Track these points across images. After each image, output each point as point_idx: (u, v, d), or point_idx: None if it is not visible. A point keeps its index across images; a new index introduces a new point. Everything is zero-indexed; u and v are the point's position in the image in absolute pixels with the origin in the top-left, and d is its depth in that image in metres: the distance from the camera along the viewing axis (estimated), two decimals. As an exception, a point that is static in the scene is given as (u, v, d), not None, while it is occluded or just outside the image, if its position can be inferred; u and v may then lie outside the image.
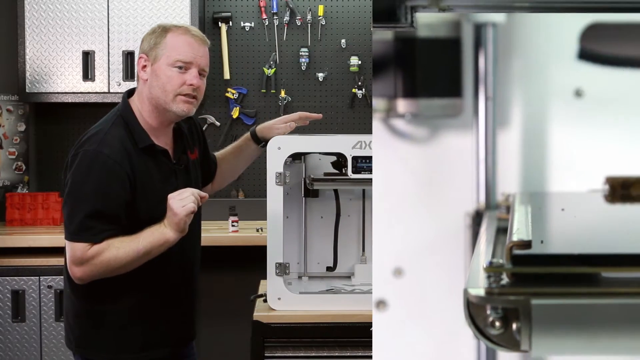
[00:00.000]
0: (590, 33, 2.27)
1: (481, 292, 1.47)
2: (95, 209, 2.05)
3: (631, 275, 1.48)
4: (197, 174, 2.35)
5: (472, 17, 2.26)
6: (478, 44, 2.28)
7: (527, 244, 1.53)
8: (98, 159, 2.07)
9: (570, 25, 2.29)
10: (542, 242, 1.62)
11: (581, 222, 1.94)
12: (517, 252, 1.52)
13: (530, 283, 1.48)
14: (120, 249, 2.06)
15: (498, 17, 2.26)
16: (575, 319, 1.44)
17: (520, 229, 1.69)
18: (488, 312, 1.47)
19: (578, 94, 2.30)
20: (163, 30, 2.17)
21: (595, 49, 2.28)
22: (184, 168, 2.27)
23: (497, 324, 1.46)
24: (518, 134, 2.33)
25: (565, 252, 1.51)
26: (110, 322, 2.17)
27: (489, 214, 2.21)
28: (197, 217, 2.21)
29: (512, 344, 1.47)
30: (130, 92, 2.27)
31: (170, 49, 2.14)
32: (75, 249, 2.06)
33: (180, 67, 2.14)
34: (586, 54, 2.28)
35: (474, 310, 1.48)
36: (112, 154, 2.08)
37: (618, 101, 2.29)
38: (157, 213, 2.09)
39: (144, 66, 2.17)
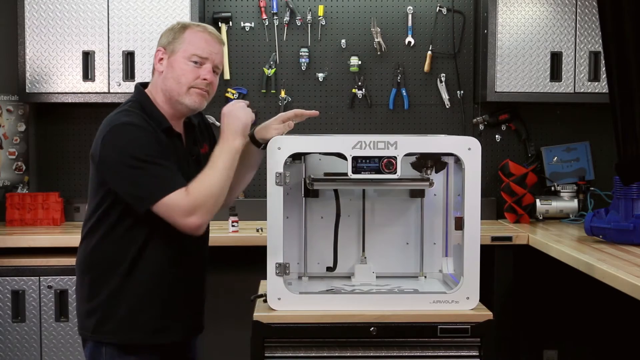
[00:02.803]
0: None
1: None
2: (157, 164, 2.13)
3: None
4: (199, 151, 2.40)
5: None
6: None
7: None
8: (133, 128, 2.16)
9: None
10: None
11: None
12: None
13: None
14: (210, 178, 2.17)
15: None
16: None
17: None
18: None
19: None
20: (182, 27, 2.29)
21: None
22: (195, 158, 2.35)
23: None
24: None
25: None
26: (126, 299, 2.23)
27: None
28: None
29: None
30: (144, 85, 2.36)
31: (187, 44, 2.25)
32: (175, 202, 2.12)
33: (195, 62, 2.26)
34: None
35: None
36: (141, 123, 2.18)
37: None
38: None
39: (161, 59, 2.28)
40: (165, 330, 2.32)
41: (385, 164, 2.38)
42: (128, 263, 2.23)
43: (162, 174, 2.14)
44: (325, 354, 2.38)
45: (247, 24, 4.18)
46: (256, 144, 2.49)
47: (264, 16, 4.16)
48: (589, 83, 3.93)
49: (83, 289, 2.31)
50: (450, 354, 2.38)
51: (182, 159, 2.29)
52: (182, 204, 2.13)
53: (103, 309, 2.25)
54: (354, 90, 4.20)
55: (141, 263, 2.24)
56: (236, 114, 2.27)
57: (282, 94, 4.17)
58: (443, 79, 4.21)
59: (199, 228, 2.18)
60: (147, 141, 2.15)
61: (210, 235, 2.43)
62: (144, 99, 2.29)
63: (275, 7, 4.14)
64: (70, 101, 3.87)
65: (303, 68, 4.18)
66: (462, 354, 2.38)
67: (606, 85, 3.02)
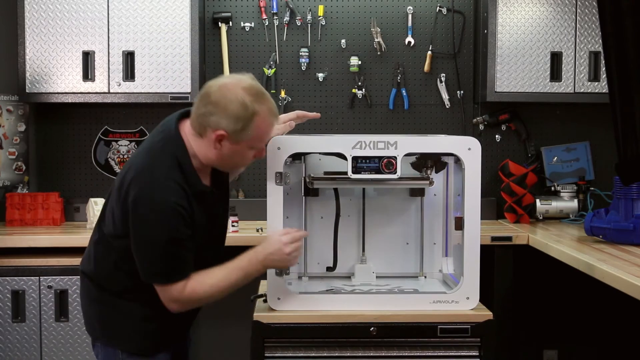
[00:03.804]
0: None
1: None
2: (174, 252, 2.10)
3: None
4: (224, 180, 2.37)
5: None
6: None
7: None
8: (168, 207, 2.07)
9: None
10: None
11: None
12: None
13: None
14: (214, 283, 2.17)
15: None
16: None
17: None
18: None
19: None
20: (252, 114, 2.10)
21: None
22: (223, 194, 2.32)
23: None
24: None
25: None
26: (137, 313, 2.22)
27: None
28: (225, 216, 2.38)
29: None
30: (181, 116, 2.22)
31: (255, 136, 2.14)
32: (170, 291, 2.13)
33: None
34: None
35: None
36: (179, 200, 2.09)
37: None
38: (203, 251, 2.19)
39: (221, 140, 2.12)
40: (177, 332, 2.33)
41: (385, 164, 2.38)
42: None
43: (172, 263, 2.11)
44: (325, 354, 2.38)
45: (247, 24, 4.18)
46: None
47: (264, 16, 4.16)
48: (589, 83, 3.93)
49: (90, 291, 2.28)
50: (450, 354, 2.38)
51: (210, 208, 2.23)
52: (173, 294, 2.13)
53: (115, 315, 2.23)
54: (354, 90, 4.20)
55: None
56: (282, 255, 2.23)
57: (282, 94, 4.17)
58: (443, 79, 4.21)
59: (177, 312, 2.18)
60: (174, 226, 2.08)
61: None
62: (184, 158, 2.15)
63: (275, 7, 4.14)
64: (70, 101, 3.87)
65: (303, 68, 4.18)
66: (462, 354, 2.38)
67: (606, 85, 3.02)
